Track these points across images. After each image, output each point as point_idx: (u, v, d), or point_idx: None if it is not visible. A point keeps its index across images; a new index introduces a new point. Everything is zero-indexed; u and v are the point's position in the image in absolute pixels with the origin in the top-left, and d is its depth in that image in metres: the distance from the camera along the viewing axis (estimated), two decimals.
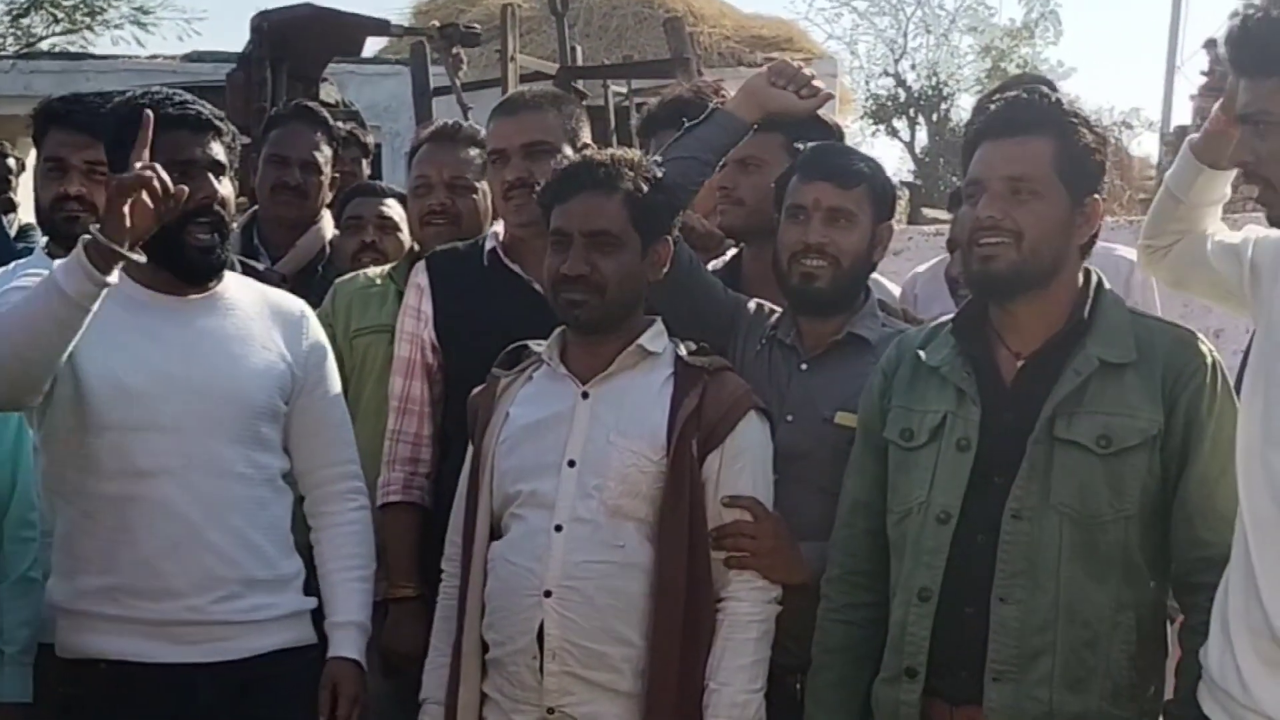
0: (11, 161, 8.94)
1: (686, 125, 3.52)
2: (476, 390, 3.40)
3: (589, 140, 3.79)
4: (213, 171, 3.25)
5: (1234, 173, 3.00)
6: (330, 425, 3.49)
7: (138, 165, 2.98)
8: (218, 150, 3.27)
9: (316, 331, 3.50)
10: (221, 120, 3.31)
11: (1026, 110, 3.00)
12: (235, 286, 3.40)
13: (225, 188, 3.28)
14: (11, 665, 3.42)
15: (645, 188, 3.23)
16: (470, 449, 3.37)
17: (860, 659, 3.13)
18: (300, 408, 3.41)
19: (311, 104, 5.15)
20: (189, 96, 3.30)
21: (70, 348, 3.02)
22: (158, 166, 2.98)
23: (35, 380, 3.05)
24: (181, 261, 3.25)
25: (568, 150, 3.64)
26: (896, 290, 4.33)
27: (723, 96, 3.90)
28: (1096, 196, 3.00)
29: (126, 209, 2.94)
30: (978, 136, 3.04)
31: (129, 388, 3.18)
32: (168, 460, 3.19)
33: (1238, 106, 2.73)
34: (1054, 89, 3.33)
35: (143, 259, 3.00)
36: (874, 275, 3.63)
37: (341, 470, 3.51)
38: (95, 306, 2.97)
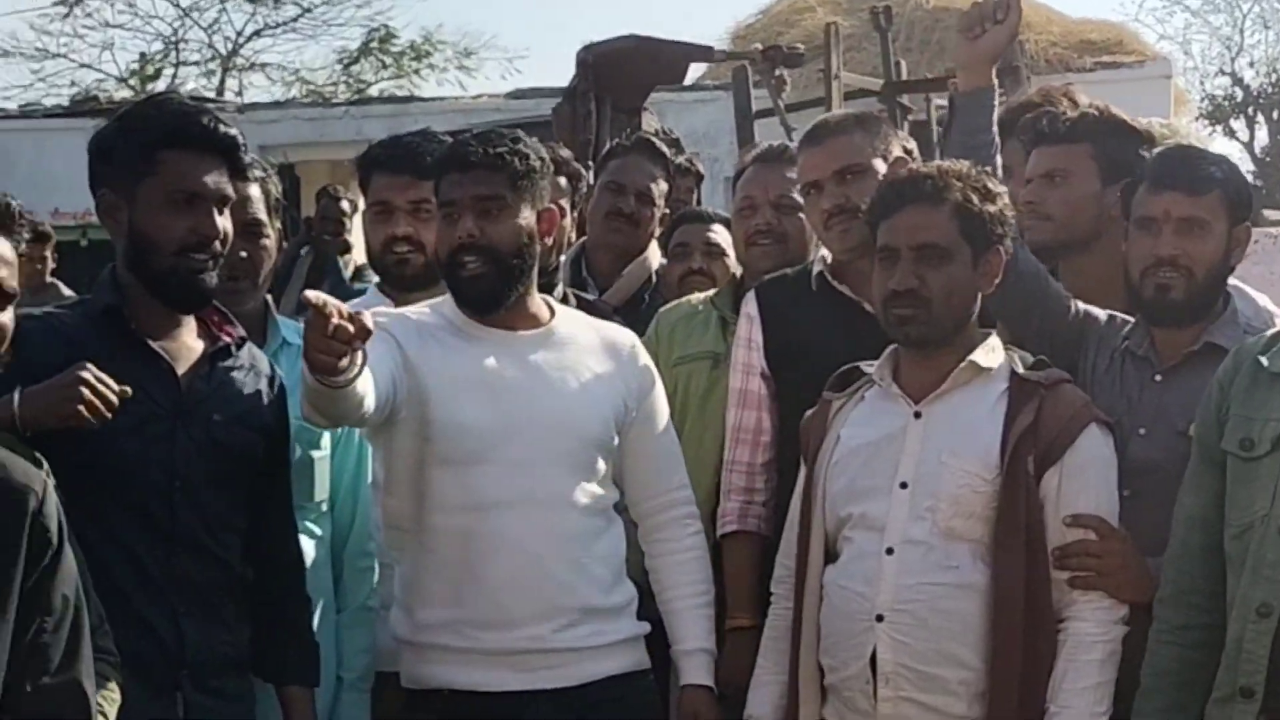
0: (345, 204, 9.36)
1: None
2: (809, 414, 3.38)
3: (901, 154, 3.72)
4: (492, 205, 3.25)
5: None
6: (661, 454, 3.53)
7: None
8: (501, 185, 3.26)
9: (646, 362, 3.54)
10: (504, 159, 3.28)
11: None
12: (568, 321, 3.45)
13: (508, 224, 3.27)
14: (351, 692, 3.53)
15: (975, 198, 3.17)
16: (802, 472, 3.35)
17: (1191, 683, 2.98)
18: (631, 438, 3.45)
19: (653, 138, 5.19)
20: (477, 139, 3.34)
21: (372, 392, 3.01)
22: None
23: (356, 417, 3.06)
24: (458, 293, 3.30)
25: (879, 166, 3.61)
26: (1260, 298, 4.12)
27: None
28: None
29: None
30: None
31: (469, 424, 3.23)
32: (509, 493, 3.25)
33: None
34: None
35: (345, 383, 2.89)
36: (1233, 281, 3.46)
37: (675, 497, 3.53)
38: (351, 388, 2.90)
